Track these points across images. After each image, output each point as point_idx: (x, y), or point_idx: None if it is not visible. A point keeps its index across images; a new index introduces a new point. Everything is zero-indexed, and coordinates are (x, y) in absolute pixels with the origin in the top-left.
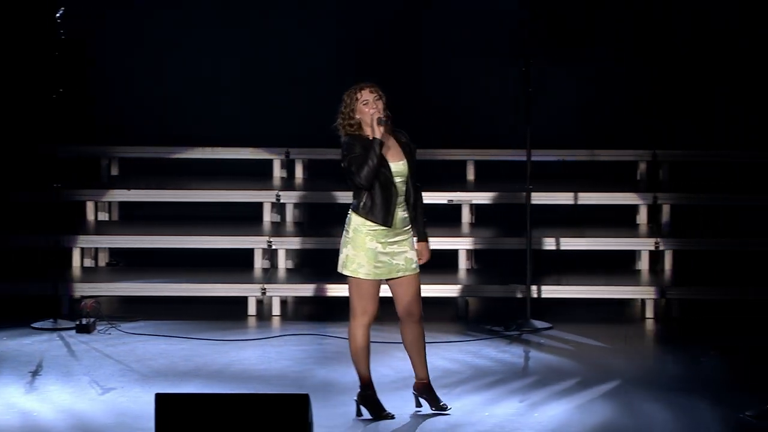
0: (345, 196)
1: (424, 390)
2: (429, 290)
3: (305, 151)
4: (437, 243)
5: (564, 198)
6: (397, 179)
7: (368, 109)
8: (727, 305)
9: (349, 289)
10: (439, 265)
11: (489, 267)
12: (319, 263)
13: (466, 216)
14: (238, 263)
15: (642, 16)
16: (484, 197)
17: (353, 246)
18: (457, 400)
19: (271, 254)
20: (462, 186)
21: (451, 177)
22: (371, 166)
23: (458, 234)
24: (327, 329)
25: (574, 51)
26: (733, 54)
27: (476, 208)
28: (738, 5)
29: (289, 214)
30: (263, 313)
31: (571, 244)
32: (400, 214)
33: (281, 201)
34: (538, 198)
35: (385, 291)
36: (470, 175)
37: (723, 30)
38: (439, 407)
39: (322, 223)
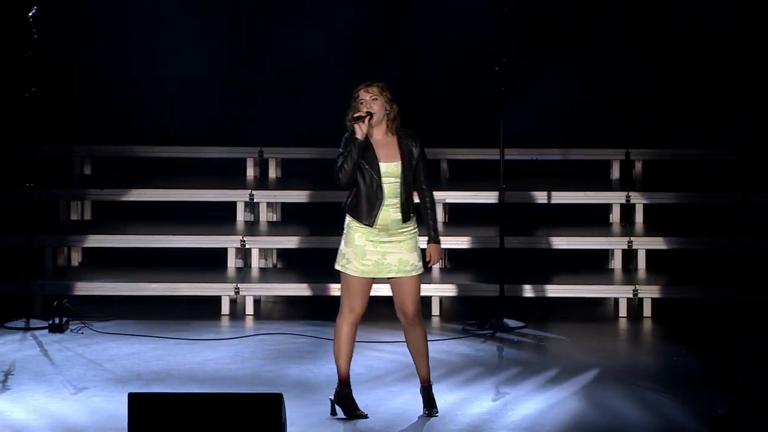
0: (319, 196)
1: (423, 392)
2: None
3: (278, 150)
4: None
5: (537, 197)
6: (388, 180)
7: (362, 108)
8: (701, 303)
9: (341, 283)
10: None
11: (462, 266)
12: (294, 263)
13: (439, 215)
14: (211, 263)
15: (640, 16)
16: (457, 196)
17: (345, 241)
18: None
19: (244, 253)
20: (436, 185)
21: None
22: (347, 165)
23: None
24: (300, 328)
25: (568, 49)
26: (731, 53)
27: (450, 207)
28: (736, 5)
29: (263, 213)
30: (236, 313)
31: (544, 243)
32: (393, 215)
33: (254, 200)
34: (512, 197)
35: (375, 291)
36: (444, 174)
37: (721, 29)
38: (430, 412)
39: (298, 222)
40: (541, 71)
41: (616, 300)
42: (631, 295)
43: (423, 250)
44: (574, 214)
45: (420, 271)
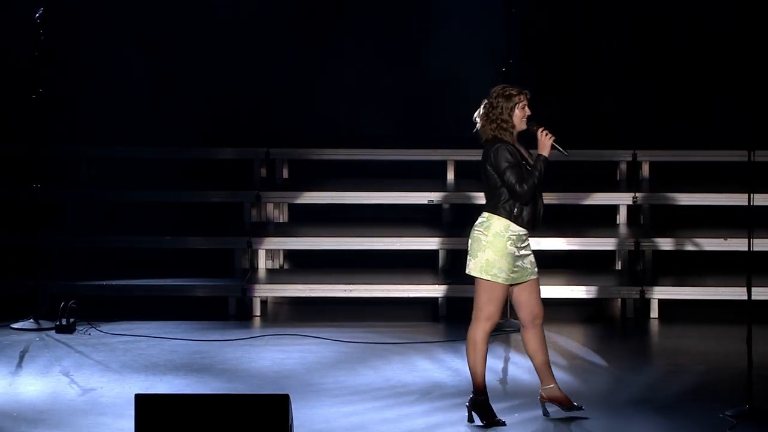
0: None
1: (555, 393)
2: (408, 290)
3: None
4: (417, 243)
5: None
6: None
7: (523, 115)
8: (706, 304)
9: (480, 292)
10: (419, 265)
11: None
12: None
13: (446, 216)
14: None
15: (641, 16)
16: (463, 197)
17: (493, 251)
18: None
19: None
20: (442, 186)
21: (430, 177)
22: (535, 182)
23: (438, 234)
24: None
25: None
26: (732, 54)
27: (456, 209)
28: (737, 5)
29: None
30: (244, 313)
31: (550, 244)
32: None
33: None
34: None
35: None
36: (450, 175)
37: (722, 30)
38: (570, 406)
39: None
40: (543, 72)
41: (624, 300)
42: (637, 296)
43: None
44: (581, 214)
45: None
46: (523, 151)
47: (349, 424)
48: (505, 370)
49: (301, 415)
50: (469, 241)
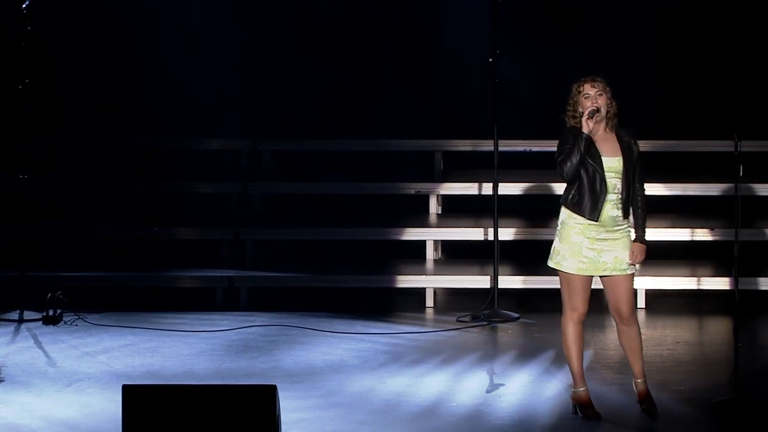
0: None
1: (638, 386)
2: (397, 281)
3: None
4: (406, 234)
5: (531, 189)
6: (609, 175)
7: (588, 103)
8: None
9: (560, 284)
10: (406, 255)
11: (456, 257)
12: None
13: (433, 206)
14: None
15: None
16: (451, 188)
17: (560, 238)
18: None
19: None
20: (430, 176)
21: (418, 167)
22: (573, 160)
23: (426, 224)
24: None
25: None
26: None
27: (443, 199)
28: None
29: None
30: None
31: (538, 234)
32: (611, 210)
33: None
34: (506, 188)
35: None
36: (438, 166)
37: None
38: (650, 409)
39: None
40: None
41: None
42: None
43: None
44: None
45: (634, 270)
46: (599, 138)
47: (335, 416)
48: (493, 361)
49: (287, 405)
50: None
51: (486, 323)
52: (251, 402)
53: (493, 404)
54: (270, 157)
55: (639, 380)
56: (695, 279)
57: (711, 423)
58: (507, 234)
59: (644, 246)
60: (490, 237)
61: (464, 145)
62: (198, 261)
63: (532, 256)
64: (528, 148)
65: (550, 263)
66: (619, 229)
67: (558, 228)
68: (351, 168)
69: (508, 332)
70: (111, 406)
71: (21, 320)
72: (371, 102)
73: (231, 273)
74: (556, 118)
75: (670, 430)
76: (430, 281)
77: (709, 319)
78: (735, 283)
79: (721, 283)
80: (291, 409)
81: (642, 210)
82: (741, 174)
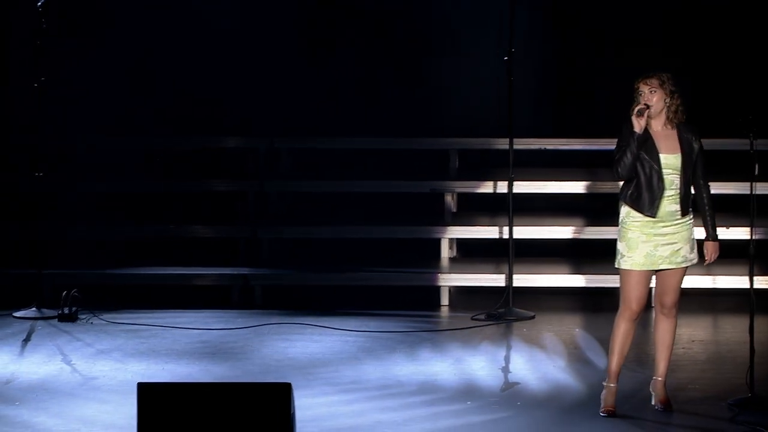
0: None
1: (657, 386)
2: (412, 279)
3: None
4: (420, 232)
5: (547, 187)
6: (667, 171)
7: (642, 101)
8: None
9: (619, 280)
10: (422, 253)
11: (471, 256)
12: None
13: (449, 205)
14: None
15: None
16: (466, 186)
17: (620, 237)
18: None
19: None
20: (445, 175)
21: (434, 166)
22: (626, 160)
23: (441, 223)
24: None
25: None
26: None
27: (459, 197)
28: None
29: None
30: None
31: (552, 233)
32: (669, 206)
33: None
34: (521, 187)
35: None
36: (454, 164)
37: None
38: (666, 407)
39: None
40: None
41: None
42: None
43: (698, 242)
44: (586, 204)
45: (691, 263)
46: (659, 134)
47: (350, 412)
48: (507, 359)
49: (302, 403)
50: None
51: (500, 321)
52: (266, 400)
53: (519, 391)
54: (287, 155)
55: (659, 379)
56: (710, 277)
57: (726, 423)
58: (522, 232)
59: (717, 244)
60: (505, 235)
61: (479, 144)
62: (214, 259)
63: (548, 253)
64: (543, 147)
65: (615, 264)
66: (679, 224)
67: (618, 228)
68: (366, 166)
69: (523, 331)
70: (126, 403)
71: (37, 318)
72: (388, 100)
73: (246, 271)
74: (567, 116)
75: (684, 429)
76: (445, 279)
77: (724, 318)
78: (750, 281)
79: (737, 282)
80: (306, 407)
81: (710, 208)
82: (756, 173)
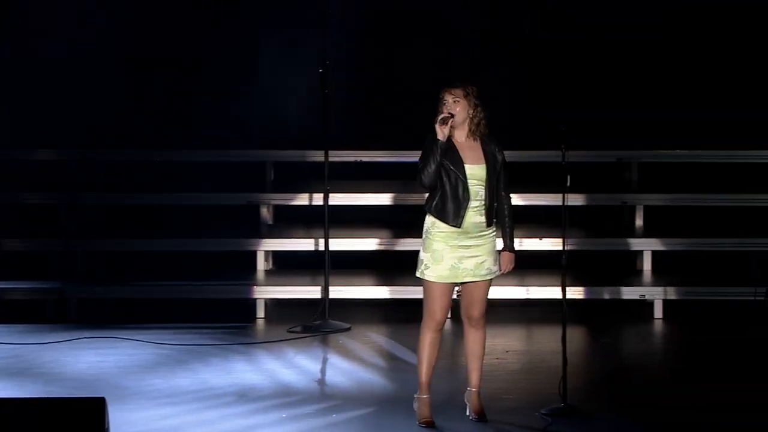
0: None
1: (471, 396)
2: (228, 291)
3: None
4: (235, 244)
5: (362, 199)
6: (472, 182)
7: (444, 110)
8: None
9: (423, 292)
10: (238, 266)
11: (287, 268)
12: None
13: (264, 217)
14: None
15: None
16: (282, 198)
17: (424, 248)
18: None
19: None
20: (261, 187)
21: (251, 178)
22: (429, 167)
23: (256, 235)
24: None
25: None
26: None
27: (275, 209)
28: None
29: None
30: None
31: (367, 245)
32: (474, 217)
33: None
34: (337, 199)
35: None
36: (270, 176)
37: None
38: (480, 417)
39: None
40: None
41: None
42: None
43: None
44: (398, 215)
45: (495, 275)
46: (463, 146)
47: (166, 426)
48: (323, 371)
49: (117, 418)
50: None
51: (317, 334)
52: (79, 415)
53: (334, 402)
54: (102, 167)
55: (473, 389)
56: (524, 288)
57: None
58: (337, 244)
59: (513, 255)
60: (321, 247)
61: (295, 156)
62: (27, 273)
63: (363, 265)
64: (358, 159)
65: (417, 273)
66: (483, 236)
67: (424, 237)
68: (181, 178)
69: (338, 342)
70: None
71: None
72: (204, 113)
73: (59, 285)
74: (383, 129)
75: None
76: (261, 292)
77: (537, 328)
78: (563, 291)
79: (550, 292)
80: (121, 422)
81: (509, 219)
82: (568, 184)
